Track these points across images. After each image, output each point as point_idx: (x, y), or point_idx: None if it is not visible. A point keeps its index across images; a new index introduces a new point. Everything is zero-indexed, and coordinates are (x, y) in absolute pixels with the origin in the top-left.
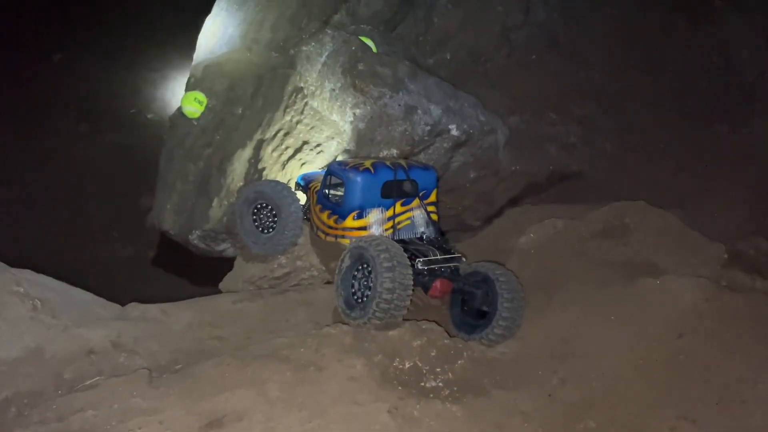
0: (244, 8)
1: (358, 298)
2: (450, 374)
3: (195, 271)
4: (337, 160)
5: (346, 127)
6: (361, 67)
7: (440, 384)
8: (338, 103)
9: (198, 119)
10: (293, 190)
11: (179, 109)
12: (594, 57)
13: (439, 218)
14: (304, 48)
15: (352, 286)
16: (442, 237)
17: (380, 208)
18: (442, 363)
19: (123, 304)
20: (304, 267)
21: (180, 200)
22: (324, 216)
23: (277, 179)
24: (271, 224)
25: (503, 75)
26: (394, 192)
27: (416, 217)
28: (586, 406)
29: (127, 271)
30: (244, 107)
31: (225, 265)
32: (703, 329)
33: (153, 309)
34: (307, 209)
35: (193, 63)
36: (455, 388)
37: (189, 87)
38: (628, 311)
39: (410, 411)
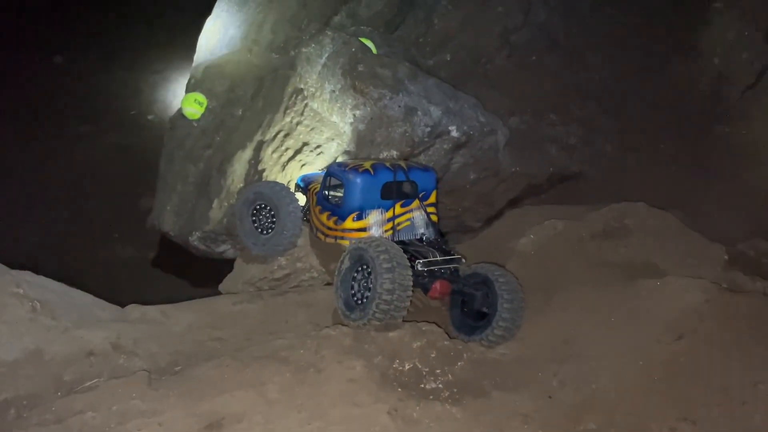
0: (244, 10)
1: (357, 299)
2: (450, 376)
3: (195, 272)
4: (337, 161)
5: (346, 129)
6: (361, 68)
7: (440, 385)
8: (338, 105)
9: (198, 120)
10: (293, 191)
11: (179, 110)
12: (594, 58)
13: (438, 219)
14: (304, 49)
15: (352, 287)
16: (441, 238)
17: (380, 210)
18: (442, 364)
19: (123, 305)
20: (304, 268)
21: (180, 201)
22: (324, 217)
23: (277, 180)
24: (270, 225)
25: (503, 76)
26: (393, 193)
27: (416, 219)
28: (586, 408)
29: (127, 272)
30: (244, 108)
31: (225, 266)
32: (703, 330)
33: (153, 310)
34: (306, 210)
35: (194, 64)
36: (455, 390)
37: (189, 88)
38: (628, 312)
39: (410, 412)
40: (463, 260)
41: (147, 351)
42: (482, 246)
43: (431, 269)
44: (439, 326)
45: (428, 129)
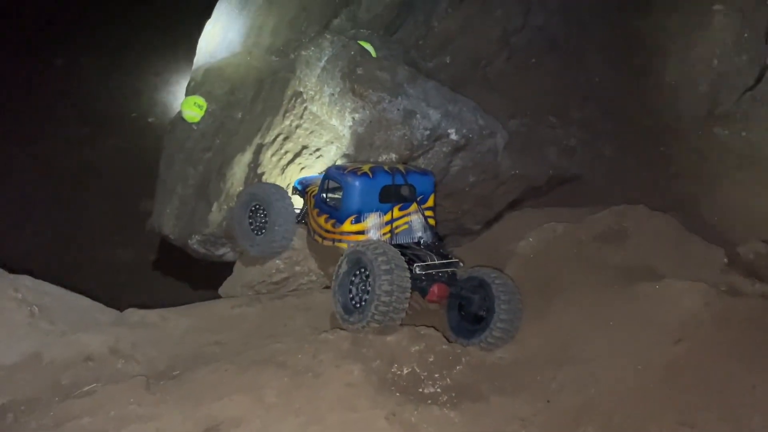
0: (244, 12)
1: (356, 302)
2: (448, 380)
3: (195, 275)
4: (335, 164)
5: (346, 132)
6: (360, 71)
7: (438, 390)
8: (337, 108)
9: (198, 124)
10: (289, 192)
11: (179, 113)
12: (594, 60)
13: (436, 223)
14: (303, 52)
15: (350, 291)
16: (439, 242)
17: (378, 213)
18: (441, 368)
19: (123, 308)
20: (303, 272)
21: (180, 204)
22: (321, 220)
23: (275, 183)
24: (264, 225)
25: (503, 78)
26: (392, 197)
27: (414, 222)
28: (585, 412)
29: (127, 275)
30: (243, 111)
31: (225, 269)
32: (702, 334)
33: (151, 314)
34: (304, 214)
35: (194, 67)
36: (453, 394)
37: (189, 91)
38: (627, 316)
39: (408, 417)
40: (461, 264)
41: (145, 355)
42: (482, 248)
43: (429, 272)
44: (437, 330)
45: (427, 132)
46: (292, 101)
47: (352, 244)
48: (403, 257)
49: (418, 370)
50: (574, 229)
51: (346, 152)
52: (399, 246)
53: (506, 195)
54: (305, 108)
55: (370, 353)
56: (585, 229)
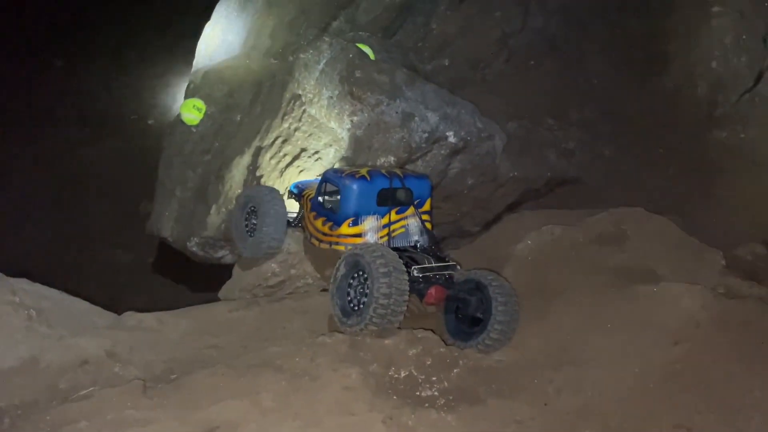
0: (243, 15)
1: (354, 305)
2: (445, 383)
3: (194, 277)
4: (333, 167)
5: (344, 135)
6: (358, 74)
7: (436, 393)
8: (336, 111)
9: (197, 126)
10: (285, 195)
11: (178, 115)
12: (593, 62)
13: (433, 227)
14: (302, 55)
15: (348, 294)
16: (436, 245)
17: (375, 216)
18: (438, 372)
19: (122, 310)
20: (299, 275)
21: (179, 207)
22: (318, 223)
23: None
24: (255, 226)
25: (502, 81)
26: (389, 200)
27: (410, 226)
28: (582, 415)
29: (125, 277)
30: (242, 114)
31: (224, 271)
32: (701, 336)
33: (149, 318)
34: (301, 217)
35: (193, 70)
36: (451, 397)
37: (188, 93)
38: (625, 319)
39: (405, 420)
40: (458, 267)
41: (142, 359)
42: (481, 251)
43: (426, 275)
44: (434, 333)
45: (425, 135)
46: (291, 104)
47: (349, 247)
48: (400, 260)
49: (416, 373)
50: (572, 231)
51: (345, 155)
52: (396, 249)
53: (505, 197)
54: (304, 111)
55: (368, 356)
56: (583, 232)
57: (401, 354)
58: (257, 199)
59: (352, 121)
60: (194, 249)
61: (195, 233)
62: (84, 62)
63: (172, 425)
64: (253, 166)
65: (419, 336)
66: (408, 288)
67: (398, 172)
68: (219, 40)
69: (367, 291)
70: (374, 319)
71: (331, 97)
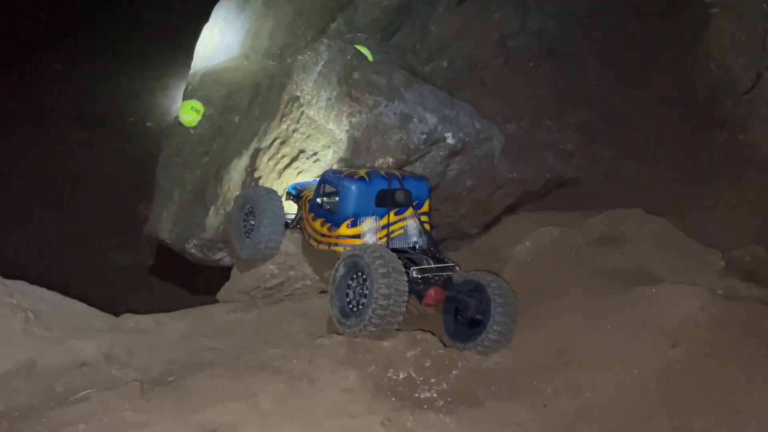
0: (241, 17)
1: (353, 306)
2: (444, 385)
3: (192, 280)
4: (332, 168)
5: (342, 136)
6: (356, 76)
7: (434, 395)
8: (334, 112)
9: (195, 128)
10: (285, 198)
11: (176, 117)
12: (591, 64)
13: (431, 228)
14: (300, 57)
15: (347, 295)
16: (435, 247)
17: (374, 217)
18: (437, 373)
19: (120, 312)
20: (297, 276)
21: (177, 209)
22: (317, 224)
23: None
24: (253, 227)
25: (500, 82)
26: (388, 201)
27: (409, 227)
28: (581, 416)
29: (124, 279)
30: (241, 116)
31: (222, 273)
32: (699, 338)
33: (147, 320)
34: (299, 219)
35: (191, 71)
36: (449, 399)
37: (186, 95)
38: (624, 320)
39: (404, 422)
40: (457, 268)
41: (140, 361)
42: (479, 252)
43: (425, 276)
44: (433, 335)
45: (424, 136)
46: (289, 105)
47: (348, 248)
48: (400, 261)
49: (415, 375)
50: (570, 233)
51: (343, 156)
52: (395, 250)
53: (504, 199)
54: (302, 112)
55: (366, 358)
56: (582, 233)
57: (400, 356)
58: (255, 200)
59: (350, 122)
60: (192, 251)
61: (193, 235)
62: (83, 63)
63: (170, 427)
64: (252, 168)
65: (418, 337)
66: (407, 289)
67: (397, 173)
68: (217, 42)
69: (366, 292)
70: (373, 320)
71: (330, 99)
